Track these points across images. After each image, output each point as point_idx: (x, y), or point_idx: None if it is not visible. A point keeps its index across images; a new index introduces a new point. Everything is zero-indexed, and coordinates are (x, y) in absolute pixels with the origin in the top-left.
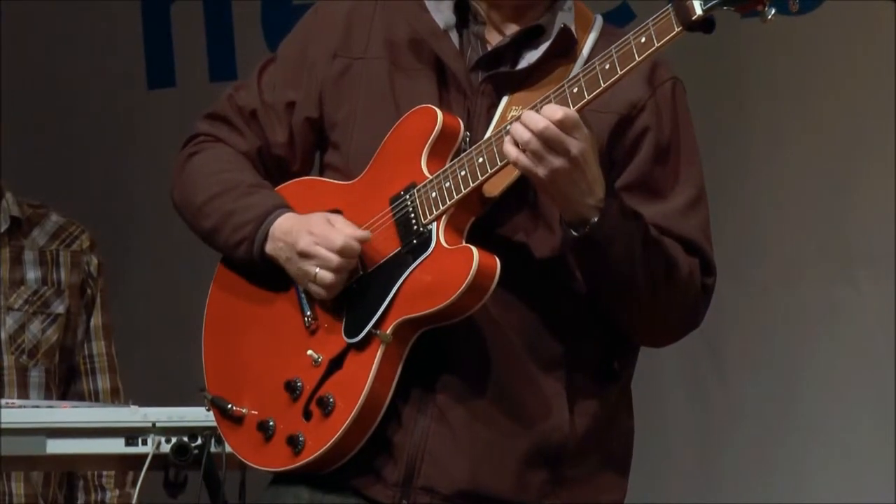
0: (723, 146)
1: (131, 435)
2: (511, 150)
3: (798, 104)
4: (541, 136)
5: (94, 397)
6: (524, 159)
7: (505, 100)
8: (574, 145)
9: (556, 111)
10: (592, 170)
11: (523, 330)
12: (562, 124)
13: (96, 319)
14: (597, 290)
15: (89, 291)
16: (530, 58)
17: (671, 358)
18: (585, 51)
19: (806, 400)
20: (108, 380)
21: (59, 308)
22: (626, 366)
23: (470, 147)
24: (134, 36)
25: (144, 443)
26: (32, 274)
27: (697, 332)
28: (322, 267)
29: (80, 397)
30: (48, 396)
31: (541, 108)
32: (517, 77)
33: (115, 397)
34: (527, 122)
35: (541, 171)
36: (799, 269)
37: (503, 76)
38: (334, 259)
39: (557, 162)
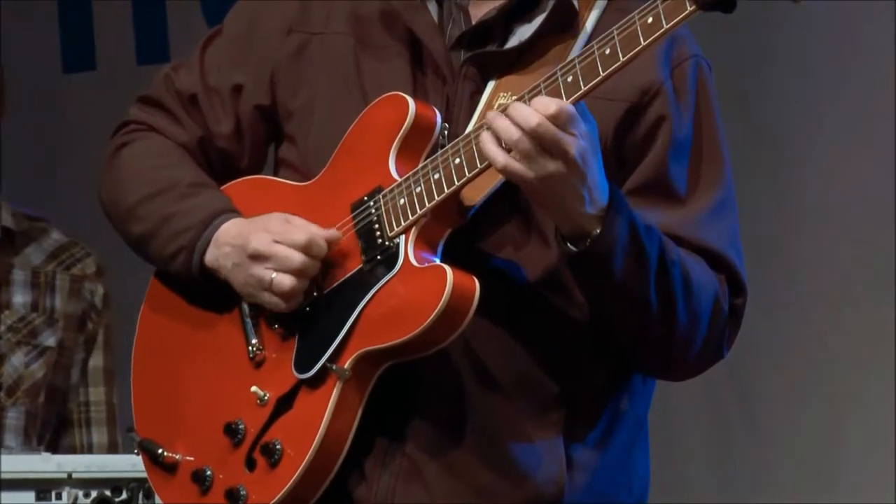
0: (749, 142)
1: (43, 488)
2: (494, 152)
3: (838, 94)
4: (533, 135)
5: (88, 453)
6: (513, 164)
7: (491, 85)
8: (572, 145)
9: (549, 104)
10: (593, 173)
11: (511, 365)
12: (557, 120)
13: (96, 360)
14: (601, 315)
15: (90, 326)
16: (522, 34)
17: (690, 395)
18: (589, 25)
19: (851, 447)
20: (105, 433)
21: (50, 340)
22: (636, 404)
23: (449, 143)
24: (46, 12)
25: (59, 497)
26: (21, 297)
27: (723, 365)
28: (280, 269)
29: (71, 452)
30: (26, 443)
31: (530, 100)
32: (506, 57)
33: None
34: (516, 118)
35: (532, 177)
36: (842, 288)
37: (489, 56)
38: (296, 258)
39: (552, 165)
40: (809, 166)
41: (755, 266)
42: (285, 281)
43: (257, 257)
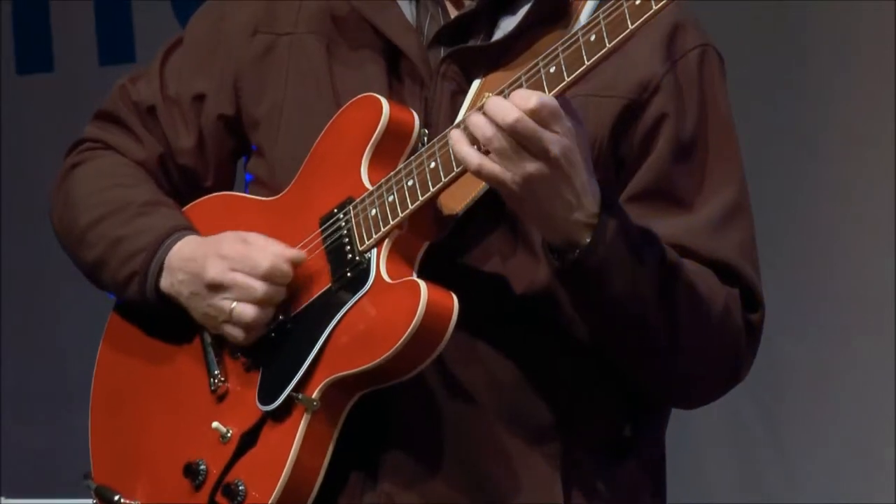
0: (783, 147)
1: None
2: (466, 152)
3: (880, 95)
4: (510, 131)
5: None
6: (488, 164)
7: (476, 84)
8: (554, 143)
9: (528, 97)
10: (580, 175)
11: (498, 390)
12: (537, 114)
13: None
14: (596, 335)
15: None
16: (507, 27)
17: (710, 422)
18: (584, 16)
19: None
20: None
21: None
22: (644, 432)
23: None
24: None
25: None
26: None
27: (746, 392)
28: (241, 299)
29: None
30: None
31: (509, 94)
32: (490, 53)
33: None
34: (491, 113)
35: (511, 179)
36: (885, 311)
37: (471, 52)
38: (258, 288)
39: (532, 166)
40: (840, 173)
41: (781, 283)
42: (247, 311)
43: (215, 287)
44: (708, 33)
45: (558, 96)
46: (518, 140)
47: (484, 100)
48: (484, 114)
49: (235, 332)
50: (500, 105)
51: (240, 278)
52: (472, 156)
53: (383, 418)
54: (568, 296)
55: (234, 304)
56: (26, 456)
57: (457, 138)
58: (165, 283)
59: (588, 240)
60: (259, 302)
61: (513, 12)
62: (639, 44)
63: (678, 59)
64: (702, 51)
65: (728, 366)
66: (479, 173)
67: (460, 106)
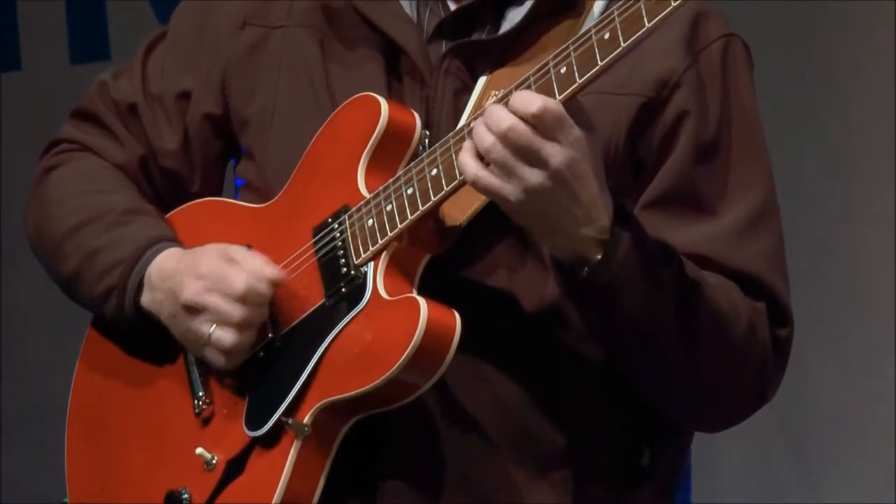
0: (811, 152)
1: None
2: (466, 162)
3: None
4: (506, 141)
5: None
6: (486, 177)
7: (482, 81)
8: (555, 154)
9: (529, 102)
10: (589, 188)
11: (504, 415)
12: (538, 121)
13: None
14: (610, 355)
15: None
16: (513, 18)
17: (731, 447)
18: (597, 7)
19: None
20: None
21: None
22: (662, 457)
23: None
24: None
25: None
26: None
27: (771, 415)
28: (219, 323)
29: None
30: None
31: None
32: (496, 47)
33: None
34: (487, 122)
35: (511, 193)
36: None
37: (475, 47)
38: (235, 312)
39: (534, 178)
40: (874, 181)
41: (807, 297)
42: (226, 337)
43: (191, 310)
44: (729, 23)
45: (568, 100)
46: (514, 151)
47: (489, 98)
48: (483, 120)
49: (215, 357)
50: (495, 113)
51: (215, 301)
52: (470, 166)
53: (381, 444)
54: (579, 314)
55: (213, 328)
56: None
57: (465, 146)
58: (146, 299)
59: (599, 256)
60: (237, 326)
61: (519, 3)
62: (657, 36)
63: (700, 51)
64: (725, 42)
65: (753, 387)
66: (474, 184)
67: (464, 105)
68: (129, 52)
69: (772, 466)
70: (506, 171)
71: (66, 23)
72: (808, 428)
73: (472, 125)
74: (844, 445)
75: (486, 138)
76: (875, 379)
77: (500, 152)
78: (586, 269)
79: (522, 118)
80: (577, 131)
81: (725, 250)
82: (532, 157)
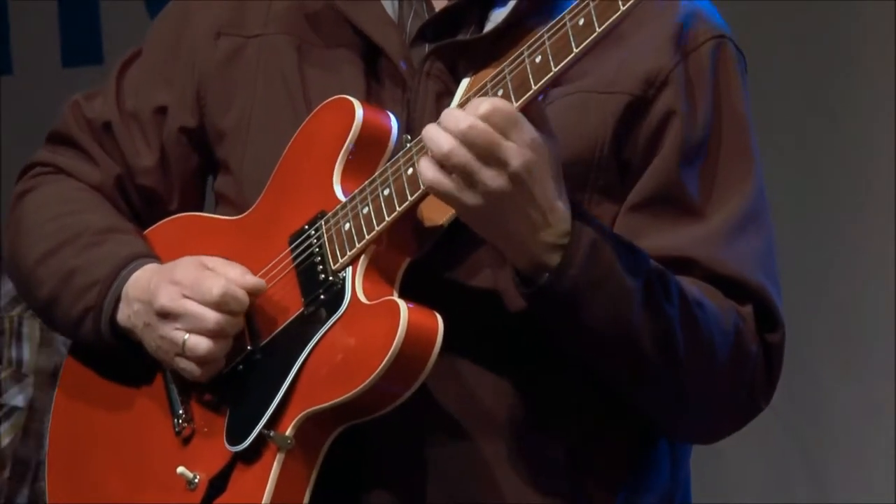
0: (811, 153)
1: None
2: (424, 165)
3: None
4: (465, 141)
5: None
6: (444, 182)
7: (465, 83)
8: (513, 154)
9: (478, 104)
10: (546, 191)
11: (493, 424)
12: (490, 120)
13: None
14: (587, 365)
15: None
16: (497, 18)
17: (731, 447)
18: None
19: None
20: None
21: (18, 400)
22: (660, 457)
23: None
24: None
25: None
26: None
27: (771, 415)
28: (193, 330)
29: None
30: None
31: (493, 91)
32: (478, 47)
33: None
34: (445, 125)
35: (469, 198)
36: None
37: (457, 48)
38: (209, 317)
39: (492, 181)
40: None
41: (822, 308)
42: (200, 344)
43: (166, 316)
44: (725, 23)
45: (529, 103)
46: (476, 152)
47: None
48: (438, 124)
49: (190, 367)
50: (452, 114)
51: (190, 307)
52: (427, 169)
53: (367, 455)
54: (543, 325)
55: (187, 335)
56: None
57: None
58: (122, 315)
59: (558, 262)
60: (212, 334)
61: (503, 3)
62: (646, 34)
63: (690, 51)
64: (716, 43)
65: (741, 396)
66: (430, 188)
67: (446, 108)
68: (122, 55)
69: (772, 466)
70: (467, 177)
71: (59, 26)
72: (809, 428)
73: (424, 132)
74: (846, 445)
75: (442, 142)
76: (878, 379)
77: (459, 154)
78: (546, 275)
79: (476, 116)
80: (532, 133)
81: (712, 253)
82: (490, 158)
